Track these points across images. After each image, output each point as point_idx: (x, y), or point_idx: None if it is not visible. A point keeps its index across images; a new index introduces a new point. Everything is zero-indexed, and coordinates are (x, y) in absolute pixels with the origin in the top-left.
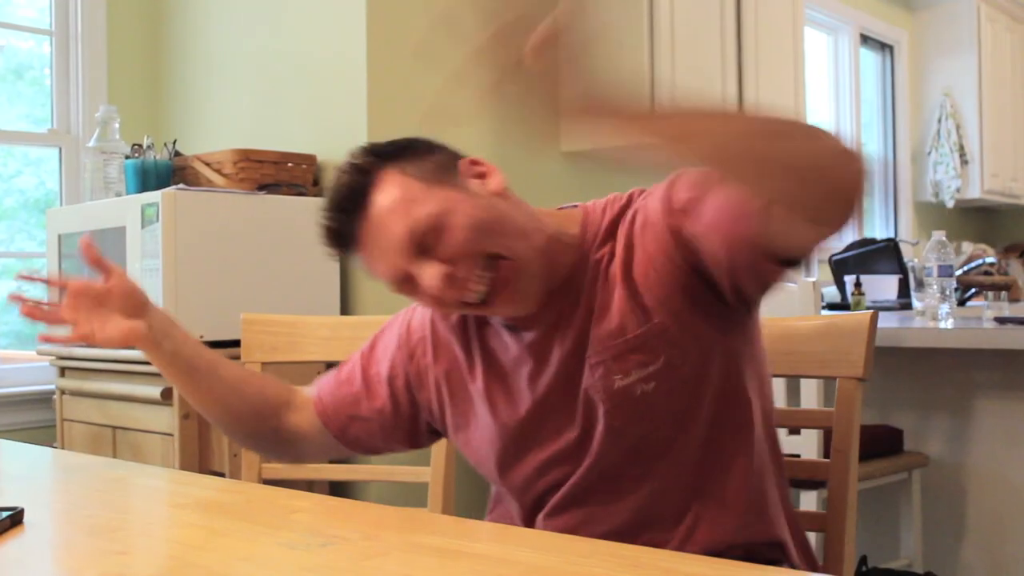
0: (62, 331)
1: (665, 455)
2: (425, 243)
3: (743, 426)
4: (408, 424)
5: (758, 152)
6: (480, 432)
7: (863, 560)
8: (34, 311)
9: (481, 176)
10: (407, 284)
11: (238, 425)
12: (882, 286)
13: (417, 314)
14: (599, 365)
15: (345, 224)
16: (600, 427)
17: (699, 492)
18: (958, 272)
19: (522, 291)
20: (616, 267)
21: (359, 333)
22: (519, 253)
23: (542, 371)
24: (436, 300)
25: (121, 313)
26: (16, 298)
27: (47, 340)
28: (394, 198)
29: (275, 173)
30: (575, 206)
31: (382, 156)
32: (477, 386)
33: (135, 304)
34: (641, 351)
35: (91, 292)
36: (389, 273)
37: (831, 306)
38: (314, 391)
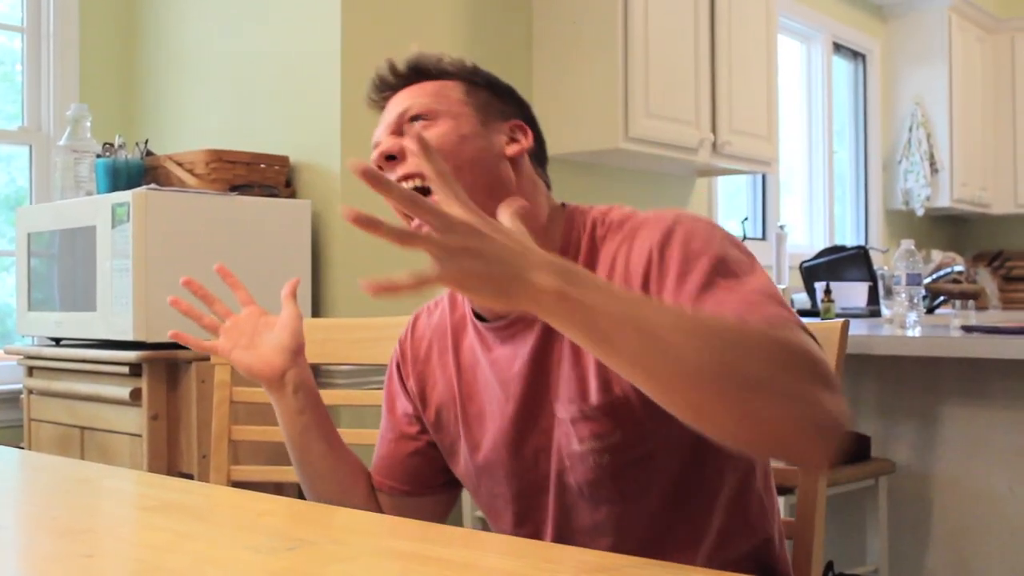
0: (203, 338)
1: (625, 506)
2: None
3: (721, 468)
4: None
5: (706, 367)
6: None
7: (829, 566)
8: (193, 313)
9: (511, 140)
10: (378, 155)
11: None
12: (852, 293)
13: (414, 336)
14: (562, 423)
15: (392, 86)
16: (552, 484)
17: (670, 529)
18: (927, 280)
19: None
20: None
21: (331, 336)
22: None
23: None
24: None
25: (271, 347)
26: (177, 303)
27: (177, 338)
28: (430, 88)
29: (247, 174)
30: (564, 205)
31: (463, 71)
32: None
33: (290, 347)
34: (598, 421)
35: (257, 320)
36: (375, 136)
37: (801, 313)
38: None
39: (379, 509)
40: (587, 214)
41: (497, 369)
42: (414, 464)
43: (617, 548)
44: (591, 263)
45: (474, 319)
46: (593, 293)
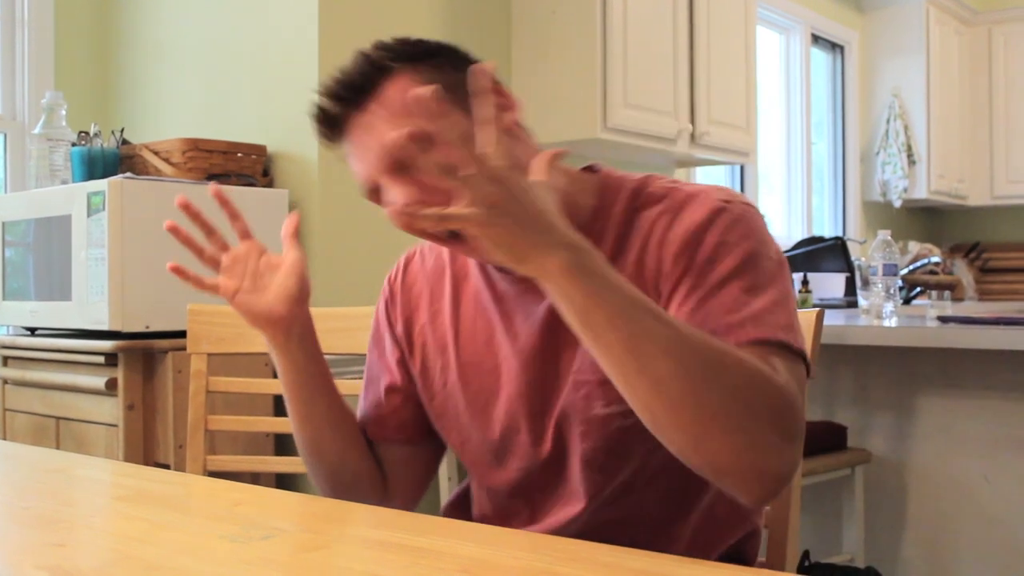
0: (206, 275)
1: (641, 486)
2: (405, 159)
3: None
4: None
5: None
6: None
7: (806, 555)
8: (192, 244)
9: (500, 107)
10: (375, 195)
11: (320, 459)
12: (829, 284)
13: (405, 277)
14: (583, 384)
15: (338, 113)
16: (575, 452)
17: (683, 511)
18: (903, 271)
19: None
20: (628, 271)
21: None
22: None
23: (524, 324)
24: (400, 223)
25: (277, 295)
26: (173, 228)
27: (177, 271)
28: (392, 101)
29: (224, 163)
30: (594, 170)
31: (400, 55)
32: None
33: (297, 296)
34: None
35: (259, 259)
36: (361, 177)
37: None
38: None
39: (378, 463)
40: (623, 183)
41: (509, 321)
42: (407, 412)
43: (602, 518)
44: (626, 231)
45: (488, 266)
46: (600, 281)
